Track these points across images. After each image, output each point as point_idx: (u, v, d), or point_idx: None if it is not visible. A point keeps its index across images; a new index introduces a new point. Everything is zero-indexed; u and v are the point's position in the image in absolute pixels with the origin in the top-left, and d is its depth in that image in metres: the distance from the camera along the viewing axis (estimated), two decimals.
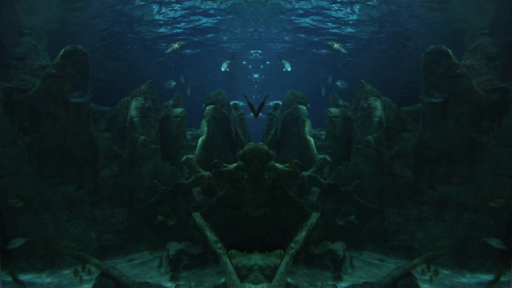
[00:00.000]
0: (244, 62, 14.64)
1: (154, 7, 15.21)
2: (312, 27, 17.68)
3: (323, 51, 18.69)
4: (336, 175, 11.39)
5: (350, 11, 15.69)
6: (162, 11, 15.63)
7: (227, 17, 16.75)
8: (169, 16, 16.10)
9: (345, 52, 12.88)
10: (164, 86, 15.37)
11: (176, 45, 13.00)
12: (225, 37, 19.14)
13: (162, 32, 17.95)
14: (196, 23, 17.18)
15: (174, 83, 15.66)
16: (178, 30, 17.79)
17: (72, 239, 11.62)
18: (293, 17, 16.94)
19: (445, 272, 10.24)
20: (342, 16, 16.32)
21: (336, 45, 13.01)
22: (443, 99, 11.52)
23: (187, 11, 16.02)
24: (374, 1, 14.80)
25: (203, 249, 10.26)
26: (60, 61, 12.34)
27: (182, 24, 17.16)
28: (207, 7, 15.59)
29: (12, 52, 13.56)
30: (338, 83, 15.64)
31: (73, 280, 9.76)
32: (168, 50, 13.15)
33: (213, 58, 21.39)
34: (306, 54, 21.79)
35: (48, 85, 12.25)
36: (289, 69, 14.14)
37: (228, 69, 14.08)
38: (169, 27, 17.28)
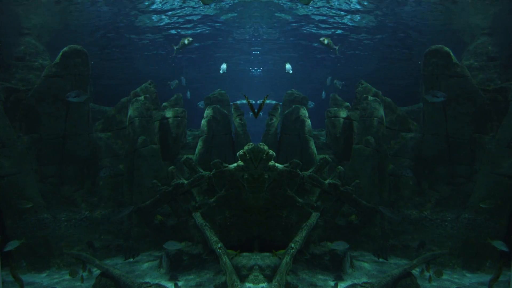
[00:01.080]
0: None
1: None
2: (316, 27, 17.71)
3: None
4: (336, 175, 11.39)
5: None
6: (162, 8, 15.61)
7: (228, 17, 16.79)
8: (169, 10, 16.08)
9: (336, 47, 12.87)
10: (162, 86, 15.41)
11: (185, 41, 12.97)
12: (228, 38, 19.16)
13: (164, 29, 17.94)
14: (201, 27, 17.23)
15: (177, 81, 15.81)
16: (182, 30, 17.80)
17: (72, 239, 11.63)
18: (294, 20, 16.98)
19: (445, 272, 10.23)
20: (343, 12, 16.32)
21: (326, 40, 12.98)
22: (444, 98, 11.54)
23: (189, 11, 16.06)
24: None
25: (203, 249, 10.26)
26: (60, 61, 12.35)
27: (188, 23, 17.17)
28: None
29: (12, 52, 13.57)
30: (334, 81, 15.75)
31: (72, 280, 9.76)
32: (177, 46, 13.11)
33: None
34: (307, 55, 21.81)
35: (48, 85, 12.26)
36: (291, 71, 14.25)
37: (225, 71, 14.20)
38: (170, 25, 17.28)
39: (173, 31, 17.86)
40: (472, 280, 10.09)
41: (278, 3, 15.20)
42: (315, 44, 19.97)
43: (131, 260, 11.13)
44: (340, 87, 15.75)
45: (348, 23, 16.97)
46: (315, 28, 17.87)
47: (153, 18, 16.38)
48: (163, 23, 16.94)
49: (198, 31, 18.05)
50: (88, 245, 11.37)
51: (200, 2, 14.10)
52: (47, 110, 12.26)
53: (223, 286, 8.63)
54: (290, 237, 9.64)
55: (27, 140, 11.96)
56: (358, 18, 16.41)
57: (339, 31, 18.02)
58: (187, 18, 16.47)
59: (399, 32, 17.65)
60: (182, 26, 17.30)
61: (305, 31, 18.32)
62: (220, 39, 19.41)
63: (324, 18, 16.56)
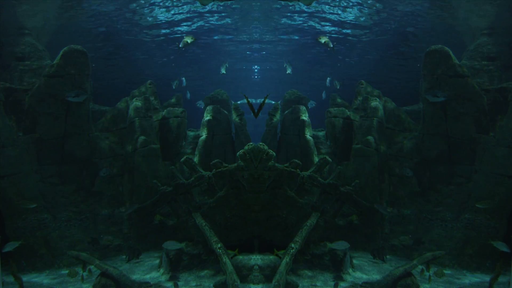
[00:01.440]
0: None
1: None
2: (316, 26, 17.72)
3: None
4: (336, 175, 11.39)
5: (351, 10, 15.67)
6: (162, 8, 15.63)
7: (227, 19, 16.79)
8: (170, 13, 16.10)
9: (332, 46, 12.82)
10: (163, 86, 15.44)
11: (188, 39, 12.84)
12: (228, 36, 19.15)
13: (163, 30, 17.96)
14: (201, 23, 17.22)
15: (177, 82, 15.90)
16: (181, 29, 17.79)
17: (72, 239, 11.63)
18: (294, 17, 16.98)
19: (445, 272, 10.24)
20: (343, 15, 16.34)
21: (323, 39, 12.90)
22: (445, 98, 11.52)
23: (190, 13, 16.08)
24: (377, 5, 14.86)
25: (203, 249, 10.26)
26: (60, 61, 12.34)
27: (185, 23, 17.15)
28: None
29: (12, 52, 13.56)
30: (334, 82, 15.80)
31: (72, 280, 9.76)
32: (180, 45, 12.97)
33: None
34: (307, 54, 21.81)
35: (48, 85, 12.24)
36: (290, 72, 14.28)
37: (225, 72, 14.20)
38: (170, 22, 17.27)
39: (167, 30, 17.86)
40: (472, 280, 10.09)
41: (279, 2, 15.21)
42: (318, 48, 20.06)
43: (136, 260, 11.12)
44: (338, 87, 15.78)
45: (349, 22, 16.97)
46: (317, 27, 17.89)
47: (152, 18, 16.38)
48: (162, 22, 16.93)
49: (198, 30, 18.06)
50: (92, 242, 11.41)
51: (199, 2, 14.08)
52: (47, 110, 12.25)
53: (223, 286, 8.63)
54: (290, 237, 9.63)
55: (27, 140, 11.96)
56: (355, 16, 16.42)
57: (344, 31, 18.04)
58: (186, 16, 16.47)
59: (399, 32, 17.65)
60: (181, 24, 17.30)
61: (306, 30, 18.32)
62: (220, 38, 19.43)
63: (325, 16, 16.57)
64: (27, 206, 10.75)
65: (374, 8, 15.40)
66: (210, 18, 16.92)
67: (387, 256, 11.43)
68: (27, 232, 11.01)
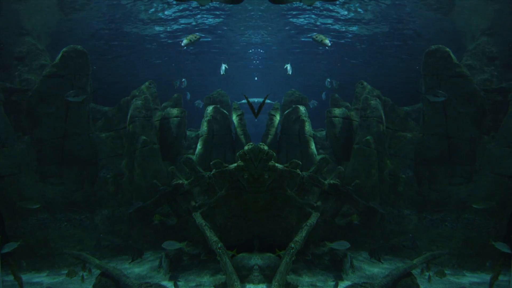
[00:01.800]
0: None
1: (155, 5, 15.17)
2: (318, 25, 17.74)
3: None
4: (336, 175, 11.39)
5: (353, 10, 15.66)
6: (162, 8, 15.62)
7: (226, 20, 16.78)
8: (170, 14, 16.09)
9: (330, 45, 12.74)
10: (163, 86, 15.44)
11: (190, 38, 12.72)
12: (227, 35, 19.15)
13: (162, 30, 17.94)
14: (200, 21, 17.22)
15: (178, 82, 15.91)
16: (180, 27, 17.77)
17: (72, 239, 11.62)
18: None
19: (445, 272, 10.24)
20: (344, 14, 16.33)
21: (319, 38, 12.79)
22: (444, 98, 11.53)
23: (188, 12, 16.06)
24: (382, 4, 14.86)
25: (203, 249, 10.26)
26: (60, 61, 12.34)
27: (185, 21, 17.14)
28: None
29: (12, 52, 13.58)
30: (333, 82, 15.83)
31: (72, 280, 9.76)
32: (183, 44, 12.84)
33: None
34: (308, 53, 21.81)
35: (48, 85, 12.25)
36: (290, 72, 14.27)
37: (225, 73, 14.17)
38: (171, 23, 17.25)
39: (167, 29, 17.84)
40: (472, 280, 10.09)
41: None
42: (319, 48, 20.03)
43: (139, 260, 11.12)
44: (336, 87, 15.81)
45: (350, 21, 16.96)
46: (318, 26, 17.88)
47: (150, 17, 16.36)
48: (161, 21, 16.91)
49: (197, 30, 18.05)
50: (96, 244, 11.46)
51: (198, 3, 14.06)
52: (47, 110, 12.26)
53: (223, 286, 8.63)
54: (290, 237, 9.63)
55: (27, 140, 11.97)
56: (357, 15, 16.40)
57: (344, 30, 18.02)
58: (185, 15, 16.46)
59: (399, 32, 17.66)
60: (181, 23, 17.28)
61: (306, 29, 18.31)
62: (219, 38, 19.42)
63: (326, 14, 16.56)
64: (30, 206, 10.75)
65: (374, 6, 15.39)
66: (210, 18, 16.91)
67: (387, 256, 11.44)
68: (27, 232, 11.01)
